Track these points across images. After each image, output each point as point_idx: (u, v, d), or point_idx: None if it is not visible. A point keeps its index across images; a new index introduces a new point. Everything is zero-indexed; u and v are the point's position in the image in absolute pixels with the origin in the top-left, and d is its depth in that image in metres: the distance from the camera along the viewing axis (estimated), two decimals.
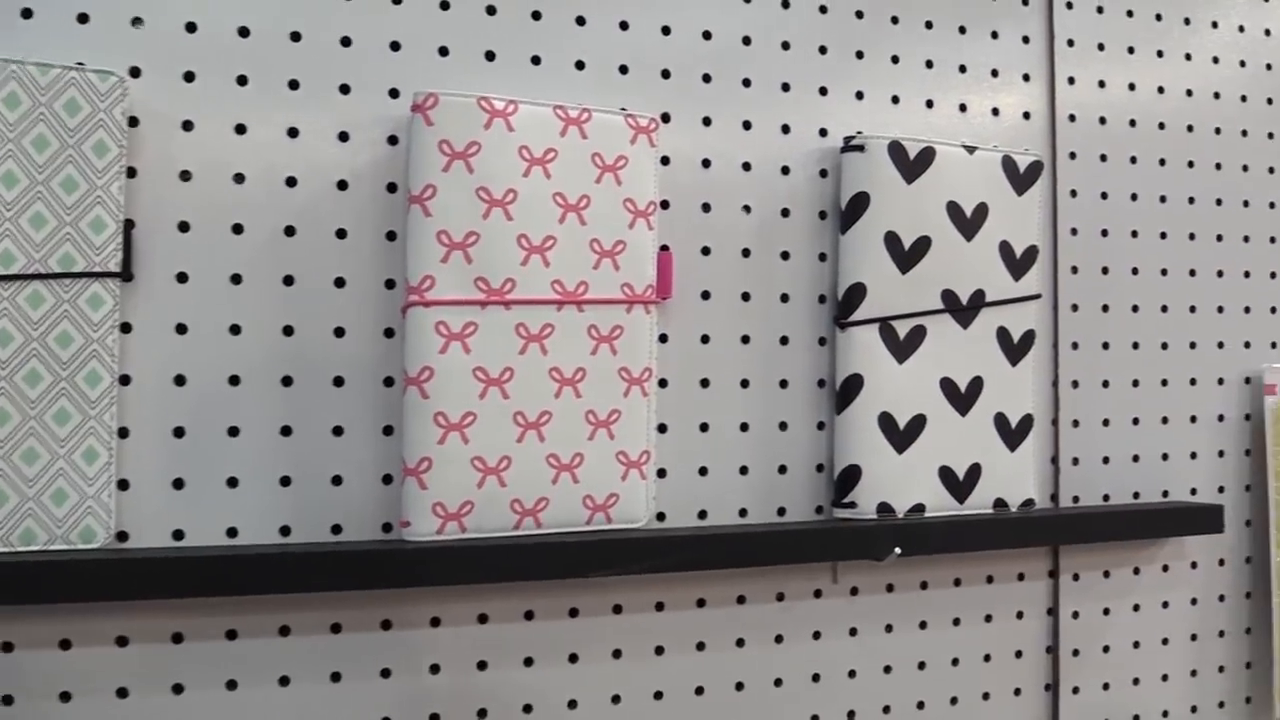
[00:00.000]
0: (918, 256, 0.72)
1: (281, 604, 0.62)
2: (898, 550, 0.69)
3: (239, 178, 0.61)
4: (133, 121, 0.59)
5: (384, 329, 0.64)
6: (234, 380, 0.61)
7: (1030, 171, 0.76)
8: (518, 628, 0.67)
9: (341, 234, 0.63)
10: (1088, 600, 0.82)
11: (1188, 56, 0.85)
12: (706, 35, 0.71)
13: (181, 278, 0.60)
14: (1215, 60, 0.86)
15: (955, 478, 0.73)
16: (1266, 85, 0.88)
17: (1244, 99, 0.87)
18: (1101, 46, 0.82)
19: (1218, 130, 0.86)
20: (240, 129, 0.61)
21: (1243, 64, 0.87)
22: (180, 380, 0.60)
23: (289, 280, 0.62)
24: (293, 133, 0.63)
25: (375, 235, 0.64)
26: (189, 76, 0.61)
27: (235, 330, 0.61)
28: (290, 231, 0.62)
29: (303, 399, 0.63)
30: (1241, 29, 0.87)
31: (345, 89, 0.64)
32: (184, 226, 0.60)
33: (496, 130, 0.63)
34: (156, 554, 0.58)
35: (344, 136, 0.64)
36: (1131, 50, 0.83)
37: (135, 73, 0.59)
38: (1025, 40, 0.80)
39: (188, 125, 0.61)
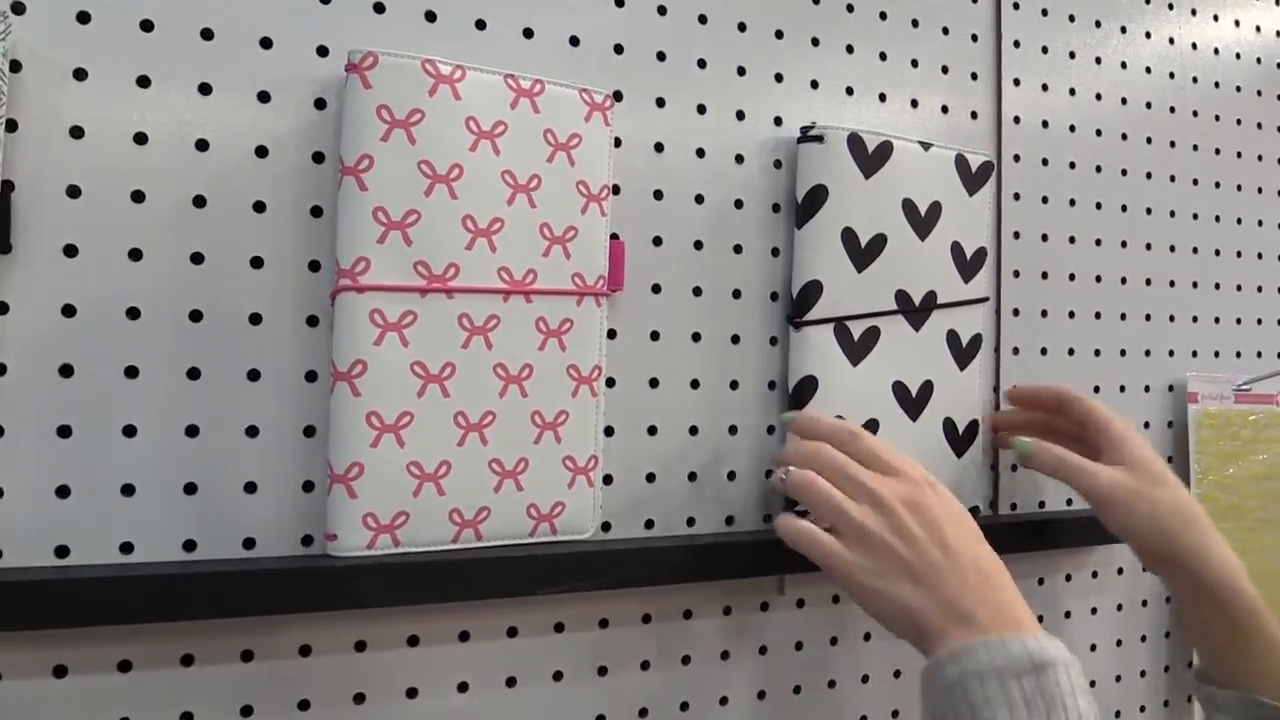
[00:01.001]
0: (873, 255, 0.70)
1: (185, 630, 0.55)
2: None
3: (140, 138, 0.54)
4: (15, 66, 0.51)
5: (307, 317, 0.57)
6: (131, 372, 0.53)
7: (981, 171, 0.75)
8: (452, 650, 0.61)
9: (259, 207, 0.56)
10: None
11: (1123, 65, 0.86)
12: (661, 10, 0.67)
13: (70, 251, 0.52)
14: (1148, 70, 0.87)
15: None
16: (1193, 98, 0.90)
17: (1172, 110, 0.89)
18: (1045, 49, 0.82)
19: (1149, 140, 0.87)
20: (143, 81, 0.54)
21: (1172, 75, 0.89)
22: (67, 371, 0.52)
23: (197, 258, 0.55)
24: (205, 89, 0.55)
25: (298, 210, 0.57)
26: (83, 17, 0.52)
27: (133, 314, 0.53)
28: (200, 202, 0.55)
29: (211, 394, 0.55)
30: (1171, 41, 0.89)
31: (267, 43, 0.57)
32: (74, 192, 0.52)
33: (442, 98, 0.57)
34: (35, 574, 0.50)
35: (264, 97, 0.57)
36: (1073, 55, 0.84)
37: (19, 9, 0.51)
38: (974, 38, 0.79)
39: (80, 74, 0.53)
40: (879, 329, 0.71)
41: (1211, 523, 0.68)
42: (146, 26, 0.54)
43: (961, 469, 0.75)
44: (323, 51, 0.58)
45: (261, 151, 0.56)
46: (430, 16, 0.61)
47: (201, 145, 0.55)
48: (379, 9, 0.59)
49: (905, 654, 0.74)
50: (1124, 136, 0.86)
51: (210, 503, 0.55)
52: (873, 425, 0.70)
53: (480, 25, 0.62)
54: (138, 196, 0.54)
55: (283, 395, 0.57)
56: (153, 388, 0.54)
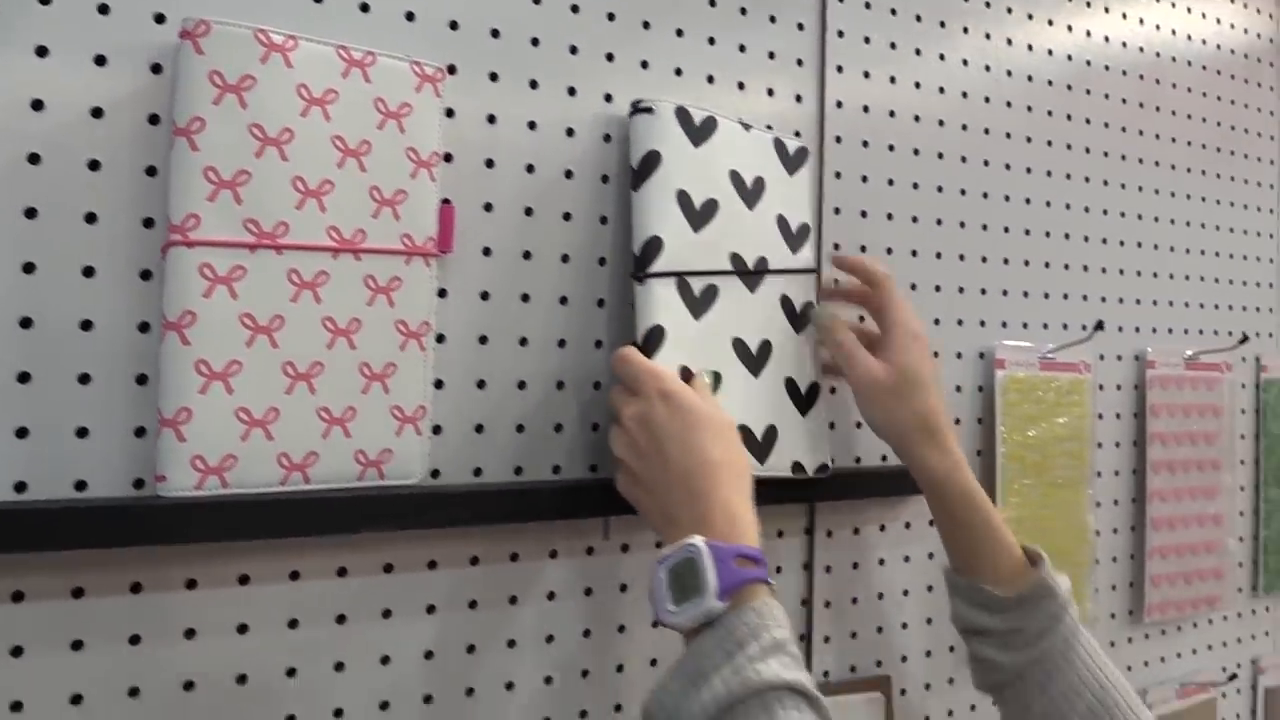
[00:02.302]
0: (707, 217, 0.76)
1: (14, 566, 0.58)
2: None
3: None
4: None
5: (140, 270, 0.61)
6: None
7: (798, 155, 0.82)
8: (282, 588, 0.66)
9: (95, 166, 0.60)
10: (839, 555, 0.90)
11: (941, 57, 0.95)
12: None
13: None
14: (965, 63, 0.96)
15: (754, 437, 0.77)
16: (1006, 89, 0.99)
17: (987, 100, 0.98)
18: (868, 39, 0.90)
19: (964, 126, 0.96)
20: None
21: (988, 68, 0.98)
22: None
23: (31, 213, 0.59)
24: (41, 51, 0.59)
25: (133, 169, 0.61)
26: None
27: None
28: (35, 159, 0.59)
29: (44, 343, 0.59)
30: (988, 36, 0.98)
31: (104, 9, 0.60)
32: None
33: (274, 65, 0.61)
34: None
35: (101, 60, 0.60)
36: (894, 46, 0.92)
37: None
38: (800, 27, 0.87)
39: None
40: (717, 288, 0.77)
41: (952, 435, 0.79)
42: None
43: (808, 427, 0.81)
44: (159, 18, 0.62)
45: (97, 112, 0.60)
46: None
47: (37, 105, 0.59)
48: None
49: None
50: (940, 123, 0.95)
51: (41, 446, 0.59)
52: (717, 378, 0.76)
53: None
54: None
55: (115, 344, 0.61)
56: None
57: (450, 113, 0.71)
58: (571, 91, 0.76)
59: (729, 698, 0.54)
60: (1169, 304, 1.13)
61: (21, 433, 0.59)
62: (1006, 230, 0.99)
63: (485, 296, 0.72)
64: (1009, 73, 0.99)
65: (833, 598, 0.90)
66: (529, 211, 0.74)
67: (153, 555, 0.62)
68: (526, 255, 0.74)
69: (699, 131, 0.76)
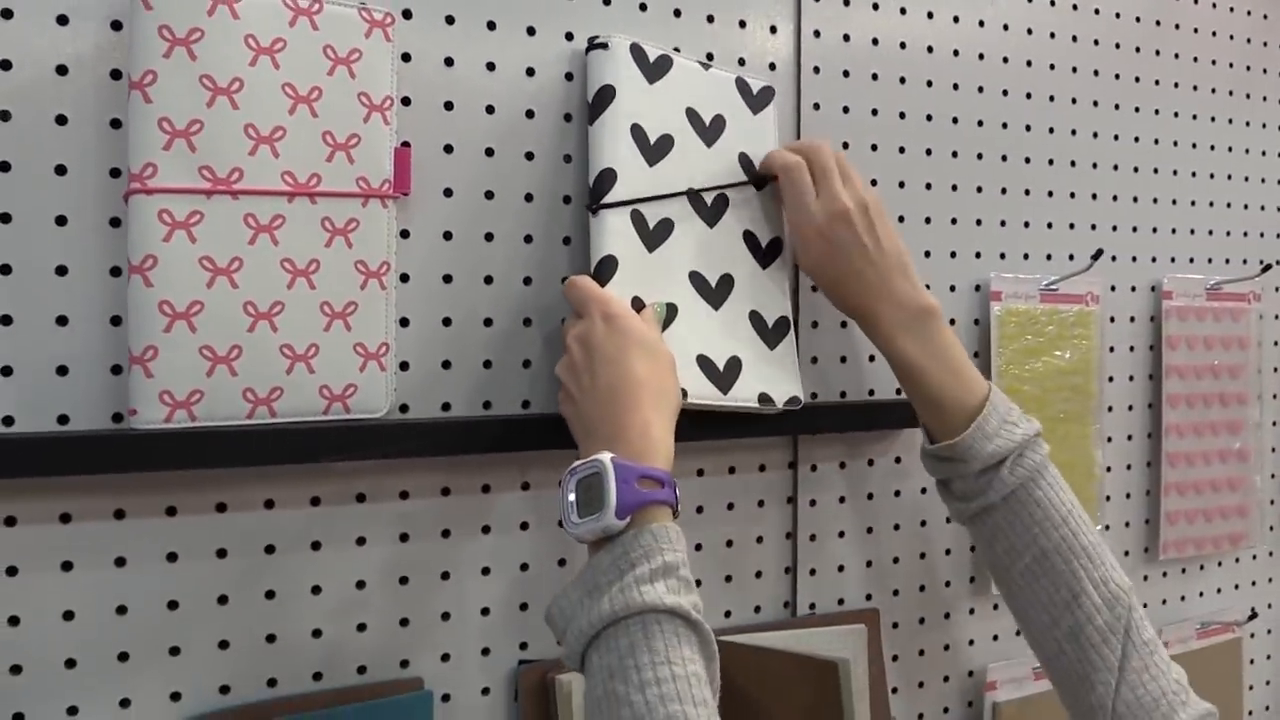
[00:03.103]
0: (662, 152, 0.78)
1: (5, 492, 0.64)
2: None
3: None
4: None
5: (110, 218, 0.66)
6: None
7: (762, 94, 0.83)
8: (257, 516, 0.71)
9: (62, 120, 0.65)
10: (825, 490, 0.91)
11: None
12: None
13: None
14: None
15: (715, 368, 0.79)
16: (1004, 10, 0.98)
17: (981, 24, 0.97)
18: None
19: (955, 52, 0.95)
20: None
21: None
22: None
23: (4, 166, 0.64)
24: (6, 14, 0.64)
25: (99, 123, 0.66)
26: None
27: None
28: (4, 116, 0.64)
29: (23, 288, 0.64)
30: None
31: None
32: None
33: (220, 17, 0.65)
34: None
35: (63, 20, 0.65)
36: None
37: None
38: None
39: None
40: (672, 221, 0.79)
41: (888, 284, 0.80)
42: None
43: (776, 360, 0.83)
44: None
45: (62, 70, 0.65)
46: None
47: (4, 65, 0.64)
48: None
49: (705, 528, 0.84)
50: (930, 49, 0.94)
51: (25, 383, 0.65)
52: (673, 310, 0.78)
53: None
54: None
55: (90, 288, 0.66)
56: None
57: (407, 57, 0.73)
58: (531, 31, 0.78)
59: (612, 614, 0.58)
60: (1190, 232, 1.10)
61: (6, 371, 0.64)
62: (1004, 159, 0.98)
63: (448, 236, 0.76)
64: None
65: (818, 531, 0.91)
66: (490, 152, 0.77)
67: (134, 483, 0.68)
68: (489, 195, 0.77)
69: (653, 68, 0.78)
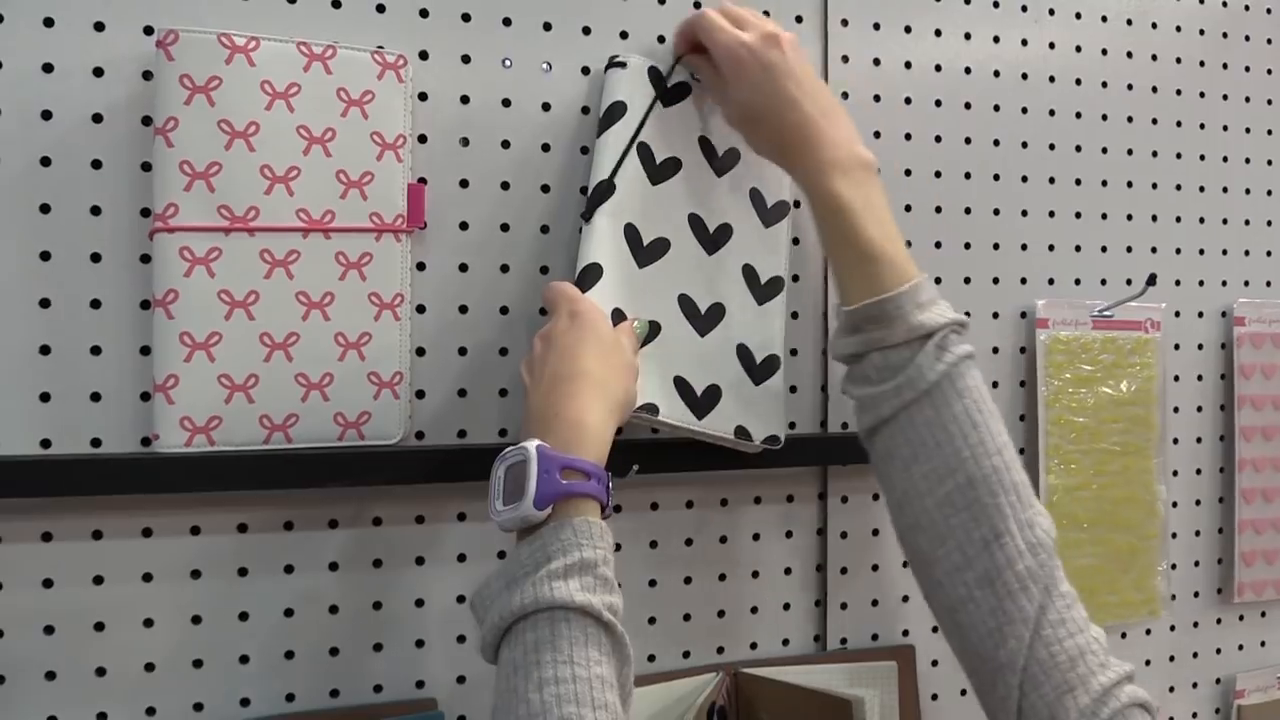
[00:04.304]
0: (667, 174, 0.79)
1: (43, 508, 0.70)
2: (635, 468, 0.76)
3: None
4: None
5: (140, 255, 0.71)
6: None
7: None
8: (277, 537, 0.75)
9: (97, 165, 0.71)
10: (857, 522, 0.90)
11: (968, 0, 0.92)
12: None
13: None
14: (995, 5, 0.93)
15: (692, 392, 0.79)
16: (1050, 30, 0.95)
17: (1025, 43, 0.95)
18: None
19: (996, 73, 0.94)
20: None
21: (1024, 9, 0.94)
22: None
23: (45, 208, 0.70)
24: (47, 68, 0.70)
25: (131, 166, 0.71)
26: None
27: None
28: (46, 162, 0.70)
29: (61, 320, 0.70)
30: None
31: (100, 26, 0.70)
32: None
33: (238, 65, 0.70)
34: None
35: (99, 72, 0.71)
36: None
37: None
38: None
39: None
40: (669, 242, 0.79)
41: (825, 121, 0.73)
42: None
43: (760, 396, 0.81)
44: (148, 31, 0.71)
45: (97, 118, 0.71)
46: None
47: (46, 115, 0.70)
48: None
49: (730, 558, 0.84)
50: (967, 70, 0.93)
51: (61, 409, 0.70)
52: (654, 328, 0.78)
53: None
54: None
55: (121, 320, 0.71)
56: (10, 314, 0.69)
57: (424, 96, 0.77)
58: (548, 67, 0.80)
59: (522, 609, 0.57)
60: (1266, 254, 1.05)
61: (44, 397, 0.70)
62: (1051, 181, 0.96)
63: (464, 268, 0.78)
64: (1051, 11, 0.95)
65: (850, 564, 0.90)
66: (505, 185, 0.79)
67: (160, 504, 0.72)
68: (504, 227, 0.79)
69: (671, 94, 0.79)
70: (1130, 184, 0.99)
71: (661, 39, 0.83)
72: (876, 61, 0.90)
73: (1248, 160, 1.04)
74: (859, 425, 0.73)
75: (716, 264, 0.81)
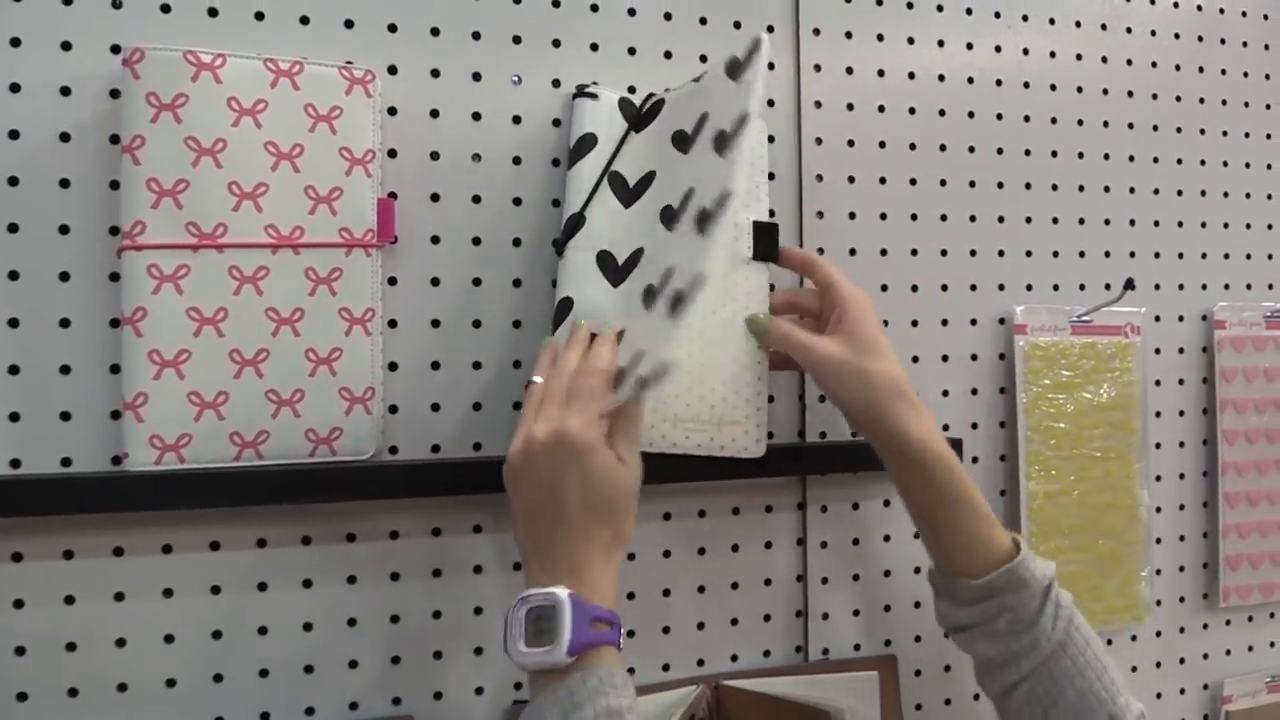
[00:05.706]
0: (643, 189, 0.78)
1: (13, 528, 0.70)
2: None
3: None
4: None
5: (109, 273, 0.72)
6: None
7: (747, 58, 0.76)
8: (250, 554, 0.75)
9: (65, 184, 0.71)
10: (837, 532, 0.91)
11: (939, 8, 0.93)
12: None
13: None
14: (969, 11, 0.94)
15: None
16: (1024, 36, 0.96)
17: (998, 49, 0.95)
18: None
19: (970, 80, 0.94)
20: None
21: (997, 14, 0.95)
22: None
23: (13, 228, 0.70)
24: (14, 88, 0.70)
25: (99, 185, 0.72)
26: None
27: None
28: (13, 181, 0.70)
29: (30, 340, 0.70)
30: None
31: (67, 45, 0.71)
32: None
33: (204, 83, 0.70)
34: None
35: (66, 91, 0.71)
36: (880, 2, 0.91)
37: None
38: None
39: None
40: (643, 249, 0.77)
41: (918, 400, 0.76)
42: None
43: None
44: (115, 49, 0.72)
45: (65, 137, 0.71)
46: (212, 12, 0.74)
47: (13, 134, 0.70)
48: (165, 9, 0.73)
49: (709, 570, 0.85)
50: (941, 78, 0.93)
51: (31, 429, 0.71)
52: (618, 336, 0.75)
53: (259, 16, 0.75)
54: None
55: (90, 339, 0.72)
56: None
57: (393, 111, 0.78)
58: (518, 80, 0.81)
59: None
60: (1246, 257, 1.05)
61: (14, 417, 0.70)
62: (1028, 186, 0.96)
63: (436, 282, 0.79)
64: (1025, 17, 0.96)
65: (831, 574, 0.91)
66: (477, 199, 0.80)
67: (132, 522, 0.73)
68: (476, 241, 0.80)
69: (643, 117, 0.79)
70: (1108, 188, 0.99)
71: (632, 50, 0.84)
72: (849, 70, 0.91)
73: (1225, 163, 1.05)
74: (994, 683, 0.77)
75: (677, 235, 0.75)
